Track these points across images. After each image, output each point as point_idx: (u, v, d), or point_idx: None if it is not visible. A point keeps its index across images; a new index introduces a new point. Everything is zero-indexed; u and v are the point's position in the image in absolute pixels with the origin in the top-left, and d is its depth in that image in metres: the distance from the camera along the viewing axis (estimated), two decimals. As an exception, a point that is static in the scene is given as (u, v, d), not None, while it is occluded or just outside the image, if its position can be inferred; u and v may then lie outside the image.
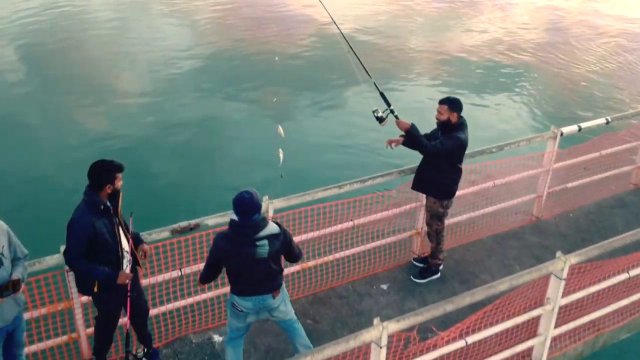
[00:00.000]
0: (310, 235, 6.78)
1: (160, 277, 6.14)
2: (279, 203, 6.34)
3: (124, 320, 5.64)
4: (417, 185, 6.91)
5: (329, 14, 6.99)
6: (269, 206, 6.24)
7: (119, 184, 5.06)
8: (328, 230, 6.87)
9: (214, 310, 6.54)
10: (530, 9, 25.00)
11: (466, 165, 7.34)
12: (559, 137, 8.00)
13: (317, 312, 6.76)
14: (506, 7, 25.05)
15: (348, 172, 10.19)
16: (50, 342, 5.82)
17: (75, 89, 14.92)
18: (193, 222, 5.96)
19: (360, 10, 22.43)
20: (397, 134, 6.63)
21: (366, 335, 4.61)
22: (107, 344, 5.64)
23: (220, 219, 6.07)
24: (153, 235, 5.81)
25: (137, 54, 17.32)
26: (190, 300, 6.39)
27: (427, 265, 7.33)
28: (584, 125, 8.36)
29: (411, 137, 6.47)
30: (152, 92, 15.02)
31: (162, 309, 6.28)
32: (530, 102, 16.25)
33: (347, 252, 7.17)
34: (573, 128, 8.22)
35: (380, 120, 6.54)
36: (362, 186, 6.83)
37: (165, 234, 5.89)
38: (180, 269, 6.19)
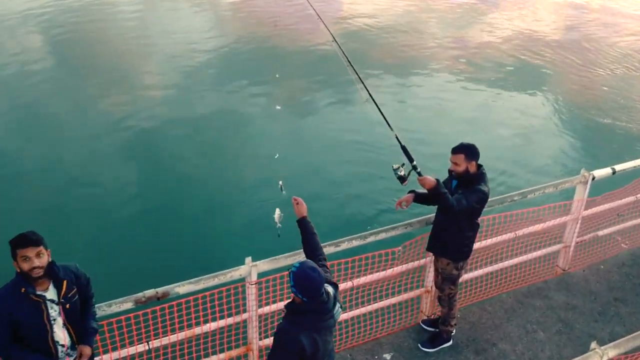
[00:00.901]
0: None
1: (123, 352, 5.26)
2: (264, 265, 5.45)
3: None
4: (433, 247, 6.05)
5: (331, 34, 6.14)
6: (252, 270, 5.35)
7: (22, 264, 4.05)
8: (323, 292, 5.94)
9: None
10: (550, 6, 24.06)
11: (483, 215, 6.40)
12: (590, 181, 7.03)
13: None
14: (526, 3, 24.13)
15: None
16: None
17: (98, 79, 14.69)
18: (161, 290, 5.07)
19: (378, 6, 21.65)
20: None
21: None
22: None
23: (193, 287, 5.19)
24: (113, 307, 4.93)
25: (159, 45, 16.87)
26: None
27: (437, 331, 6.39)
28: (618, 167, 7.35)
29: (436, 195, 5.54)
30: (173, 83, 14.89)
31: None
32: (551, 103, 15.32)
33: (345, 315, 6.24)
34: (606, 171, 7.23)
35: (403, 179, 5.69)
36: (363, 243, 5.91)
37: (128, 305, 5.00)
38: (147, 342, 5.32)
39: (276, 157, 7.97)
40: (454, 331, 6.48)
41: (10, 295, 4.10)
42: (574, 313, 6.96)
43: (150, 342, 5.32)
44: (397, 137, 5.74)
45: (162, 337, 5.35)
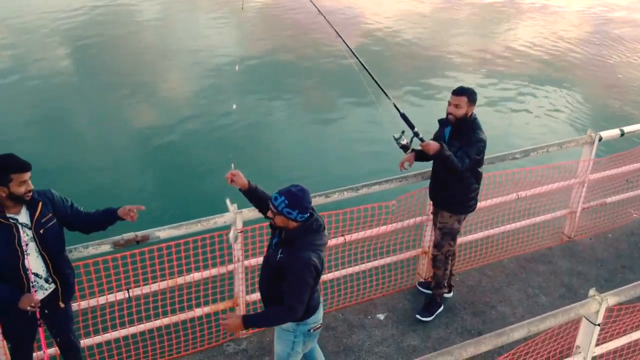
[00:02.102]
0: (292, 252, 5.64)
1: (102, 299, 5.06)
2: (250, 213, 5.21)
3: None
4: (437, 200, 5.78)
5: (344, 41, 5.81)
6: (237, 217, 5.13)
7: (18, 189, 3.94)
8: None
9: (170, 340, 5.47)
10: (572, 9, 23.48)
11: (484, 172, 6.13)
12: (596, 142, 6.73)
13: (297, 345, 5.61)
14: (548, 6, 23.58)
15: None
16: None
17: (121, 85, 14.35)
18: (140, 233, 4.86)
19: (399, 10, 21.29)
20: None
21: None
22: None
23: (174, 231, 4.98)
24: (90, 249, 4.73)
25: (182, 51, 16.64)
26: (140, 326, 5.32)
27: (431, 297, 6.12)
28: (627, 129, 7.03)
29: (442, 159, 5.28)
30: (196, 90, 14.38)
31: (107, 336, 5.22)
32: (571, 106, 14.78)
33: (337, 274, 6.02)
34: (614, 132, 6.92)
35: (406, 148, 5.45)
36: (355, 195, 5.65)
37: (106, 247, 4.79)
38: (127, 290, 5.12)
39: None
40: (452, 293, 6.23)
41: None
42: (579, 279, 6.67)
43: (130, 290, 5.13)
44: (395, 105, 5.45)
45: (143, 285, 5.15)
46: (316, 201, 5.49)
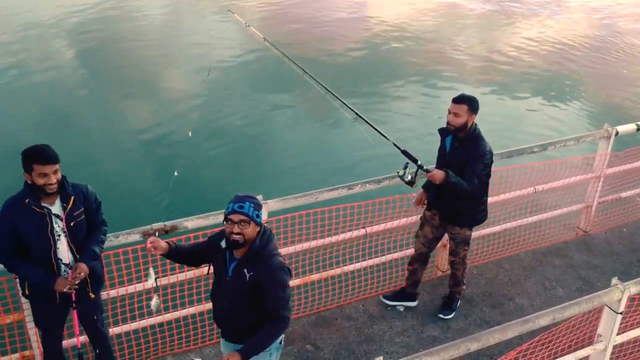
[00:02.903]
0: (314, 243, 5.76)
1: (131, 288, 5.17)
2: (275, 204, 5.32)
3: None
4: (447, 218, 5.64)
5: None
6: (263, 207, 5.22)
7: (38, 179, 3.99)
8: (335, 238, 5.82)
9: (196, 329, 5.57)
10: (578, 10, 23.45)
11: (502, 166, 6.24)
12: (613, 137, 6.81)
13: (319, 335, 5.72)
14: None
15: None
16: (-4, 362, 4.93)
17: (124, 87, 14.39)
18: (169, 223, 4.97)
19: (405, 11, 21.27)
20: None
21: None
22: None
23: (202, 221, 5.08)
24: (120, 238, 4.84)
25: (186, 52, 16.66)
26: (168, 316, 5.42)
27: (450, 295, 6.13)
28: (643, 124, 7.12)
29: (450, 186, 5.21)
30: (199, 91, 14.33)
31: (134, 325, 5.33)
32: (584, 105, 14.80)
33: (358, 265, 6.12)
34: (630, 127, 7.01)
35: (411, 183, 5.31)
36: (378, 187, 5.75)
37: (136, 236, 4.91)
38: (155, 280, 5.21)
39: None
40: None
41: (15, 205, 4.08)
42: (595, 272, 6.75)
43: (158, 280, 5.22)
44: (395, 144, 5.33)
45: (171, 275, 5.25)
46: (339, 193, 5.63)
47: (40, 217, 4.08)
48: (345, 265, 6.05)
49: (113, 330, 5.22)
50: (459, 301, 6.11)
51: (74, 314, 4.42)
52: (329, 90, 5.64)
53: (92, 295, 4.50)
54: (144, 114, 13.16)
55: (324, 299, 6.05)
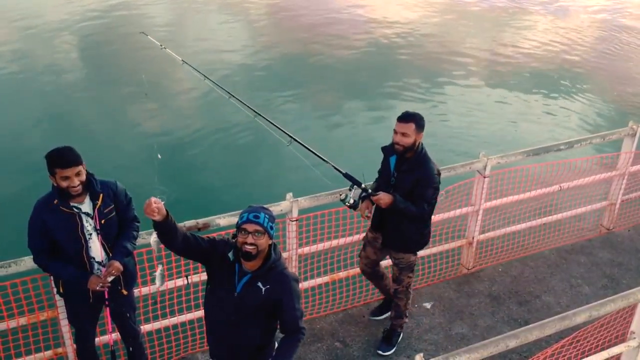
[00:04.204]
0: (342, 241, 5.78)
1: (162, 286, 5.18)
2: (305, 202, 5.34)
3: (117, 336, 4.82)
4: (391, 244, 5.29)
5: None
6: (293, 205, 5.25)
7: (61, 182, 4.01)
8: (363, 236, 5.82)
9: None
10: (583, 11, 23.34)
11: (527, 164, 6.25)
12: (638, 134, 6.80)
13: (348, 332, 5.74)
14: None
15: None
16: (31, 358, 4.95)
17: (129, 87, 14.31)
18: (201, 221, 5.00)
19: (410, 12, 21.20)
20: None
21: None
22: None
23: (234, 219, 5.06)
24: (154, 236, 4.82)
25: (191, 53, 16.62)
26: (199, 313, 5.44)
27: (390, 328, 5.62)
28: (668, 122, 7.10)
29: (398, 212, 4.92)
30: (204, 91, 14.26)
31: (165, 322, 5.36)
32: (597, 105, 14.75)
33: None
34: (655, 125, 6.99)
35: (355, 207, 4.99)
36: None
37: (168, 234, 4.92)
38: (186, 277, 5.25)
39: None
40: (495, 285, 6.29)
41: (44, 206, 4.11)
42: (620, 269, 6.75)
43: (189, 277, 5.26)
44: (335, 167, 5.00)
45: (202, 272, 5.27)
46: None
47: (69, 217, 4.11)
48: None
49: (145, 328, 5.25)
50: (401, 335, 5.64)
51: (106, 312, 4.45)
52: (258, 114, 5.37)
53: (125, 292, 4.52)
54: (150, 116, 13.03)
55: (352, 296, 6.08)
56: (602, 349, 4.55)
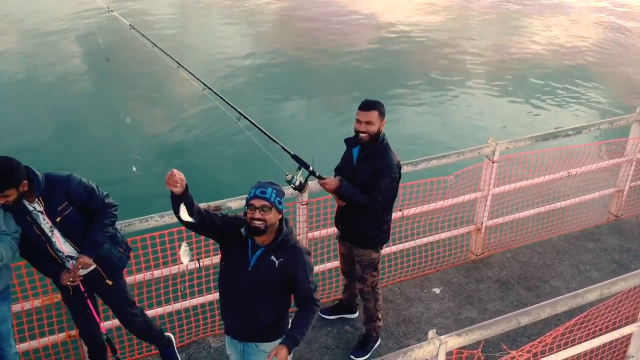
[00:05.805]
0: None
1: (174, 269, 5.24)
2: (315, 185, 5.35)
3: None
4: (348, 237, 5.16)
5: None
6: (305, 187, 5.27)
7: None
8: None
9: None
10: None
11: (536, 149, 6.27)
12: (646, 120, 6.82)
13: (358, 316, 5.76)
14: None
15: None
16: (44, 340, 5.01)
17: (133, 90, 14.33)
18: (213, 204, 5.02)
19: (416, 13, 21.17)
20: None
21: (419, 352, 3.57)
22: (91, 348, 4.89)
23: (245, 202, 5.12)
24: (166, 218, 4.89)
25: (195, 54, 16.63)
26: (209, 297, 5.48)
27: (365, 333, 5.44)
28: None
29: (345, 198, 4.80)
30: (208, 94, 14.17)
31: (177, 306, 5.40)
32: (607, 95, 14.70)
33: (394, 248, 6.15)
34: (664, 111, 7.00)
35: (301, 188, 4.86)
36: (414, 169, 5.77)
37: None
38: (197, 260, 5.29)
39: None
40: (504, 271, 6.33)
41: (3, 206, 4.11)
42: (629, 255, 6.77)
43: (201, 260, 5.30)
44: (284, 148, 4.89)
45: (213, 255, 5.31)
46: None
47: (21, 215, 4.14)
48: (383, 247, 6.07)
49: (156, 311, 5.29)
50: (378, 341, 5.43)
51: (88, 302, 4.49)
52: (206, 86, 5.28)
53: (109, 282, 4.51)
54: (157, 119, 13.06)
55: (361, 281, 6.09)
56: (613, 329, 4.58)
